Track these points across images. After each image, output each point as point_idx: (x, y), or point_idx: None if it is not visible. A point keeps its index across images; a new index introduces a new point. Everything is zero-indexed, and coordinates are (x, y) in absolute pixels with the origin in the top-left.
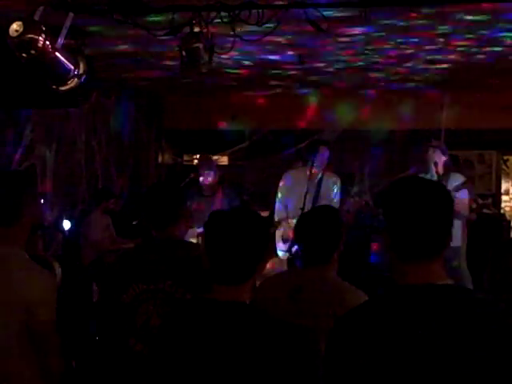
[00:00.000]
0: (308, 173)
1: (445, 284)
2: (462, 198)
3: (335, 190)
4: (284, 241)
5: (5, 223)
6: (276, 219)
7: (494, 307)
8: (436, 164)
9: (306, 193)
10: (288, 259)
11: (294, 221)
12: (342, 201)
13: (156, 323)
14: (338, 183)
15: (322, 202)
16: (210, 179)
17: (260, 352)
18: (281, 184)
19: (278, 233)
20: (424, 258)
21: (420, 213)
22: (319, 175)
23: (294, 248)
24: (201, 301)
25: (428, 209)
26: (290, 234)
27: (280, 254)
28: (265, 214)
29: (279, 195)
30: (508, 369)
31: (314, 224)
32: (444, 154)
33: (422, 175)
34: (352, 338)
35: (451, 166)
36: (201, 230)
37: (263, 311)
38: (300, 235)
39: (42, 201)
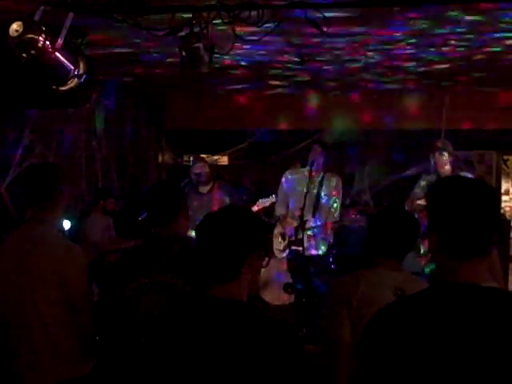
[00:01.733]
0: (307, 173)
1: (491, 286)
2: None
3: (337, 191)
4: (282, 238)
5: (40, 205)
6: (276, 214)
7: None
8: (439, 166)
9: (307, 193)
10: (288, 259)
11: (295, 222)
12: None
13: None
14: (340, 184)
15: (324, 202)
16: (206, 170)
17: (253, 350)
18: (281, 184)
19: (277, 229)
20: (474, 255)
21: (471, 209)
22: (320, 175)
23: (288, 250)
24: (199, 297)
25: (478, 205)
26: (287, 232)
27: (275, 251)
28: (266, 200)
29: (280, 195)
30: None
31: (393, 218)
32: (451, 154)
33: (425, 176)
34: (387, 332)
35: (460, 165)
36: None
37: (257, 309)
38: (377, 228)
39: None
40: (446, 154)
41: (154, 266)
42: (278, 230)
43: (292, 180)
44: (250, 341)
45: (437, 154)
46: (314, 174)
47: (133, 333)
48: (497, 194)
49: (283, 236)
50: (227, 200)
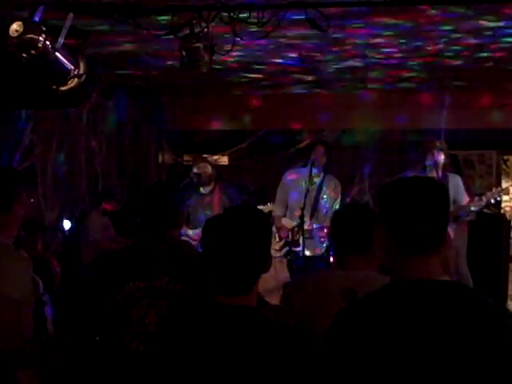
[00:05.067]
0: (308, 173)
1: (444, 280)
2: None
3: (336, 194)
4: (279, 237)
5: None
6: (273, 215)
7: (494, 307)
8: (438, 166)
9: (307, 193)
10: (288, 260)
11: (293, 222)
12: None
13: (152, 320)
14: (339, 187)
15: (322, 205)
16: (207, 171)
17: (266, 357)
18: (282, 183)
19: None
20: (425, 252)
21: (421, 206)
22: (321, 177)
23: (286, 249)
24: (210, 304)
25: (428, 202)
26: (283, 234)
27: (272, 251)
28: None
29: (279, 194)
30: (506, 370)
31: (351, 216)
32: (447, 156)
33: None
34: (351, 333)
35: (449, 167)
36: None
37: (269, 318)
38: (337, 228)
39: (42, 202)
40: (443, 154)
41: (149, 270)
42: (273, 230)
43: (292, 179)
44: (267, 349)
45: (436, 152)
46: (314, 174)
47: (122, 340)
48: (446, 192)
49: (279, 235)
50: (227, 202)
